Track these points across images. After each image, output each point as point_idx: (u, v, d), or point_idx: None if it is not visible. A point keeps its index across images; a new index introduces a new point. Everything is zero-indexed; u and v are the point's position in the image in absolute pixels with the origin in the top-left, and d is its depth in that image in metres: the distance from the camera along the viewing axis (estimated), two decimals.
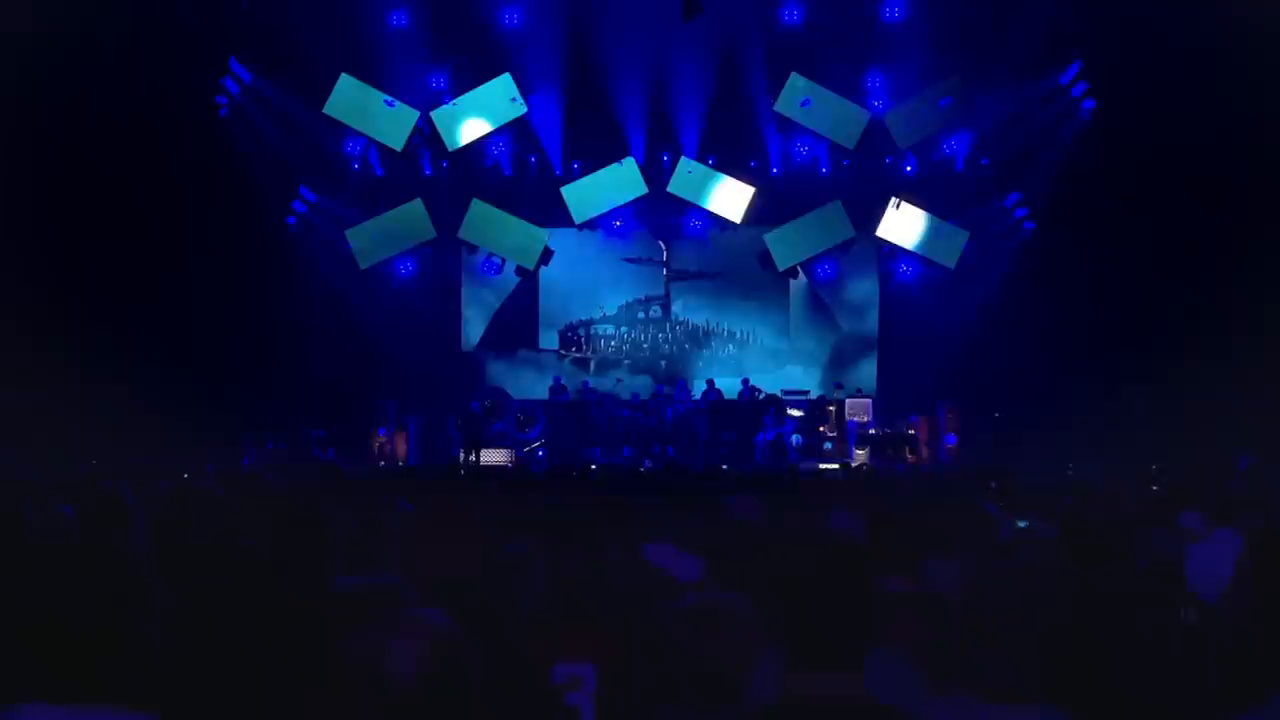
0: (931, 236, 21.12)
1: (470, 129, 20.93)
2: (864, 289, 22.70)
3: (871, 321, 22.73)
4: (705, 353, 23.00)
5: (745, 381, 21.59)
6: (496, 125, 20.96)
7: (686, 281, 22.94)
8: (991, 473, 10.56)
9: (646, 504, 5.66)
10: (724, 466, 15.80)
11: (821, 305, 22.86)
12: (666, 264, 22.90)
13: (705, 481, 9.41)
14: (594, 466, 15.92)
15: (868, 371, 22.55)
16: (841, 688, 2.19)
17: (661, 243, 22.85)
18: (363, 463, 18.78)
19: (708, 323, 23.07)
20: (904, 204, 21.09)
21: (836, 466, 15.03)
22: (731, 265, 22.66)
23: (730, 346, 23.07)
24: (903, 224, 21.21)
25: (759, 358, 22.82)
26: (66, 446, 15.74)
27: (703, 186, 21.48)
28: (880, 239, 21.49)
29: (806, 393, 21.37)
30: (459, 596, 3.14)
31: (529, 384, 22.18)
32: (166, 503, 5.11)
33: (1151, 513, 7.56)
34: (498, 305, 22.77)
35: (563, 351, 22.83)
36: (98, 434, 16.45)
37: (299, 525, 3.43)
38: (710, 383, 21.64)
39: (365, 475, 12.88)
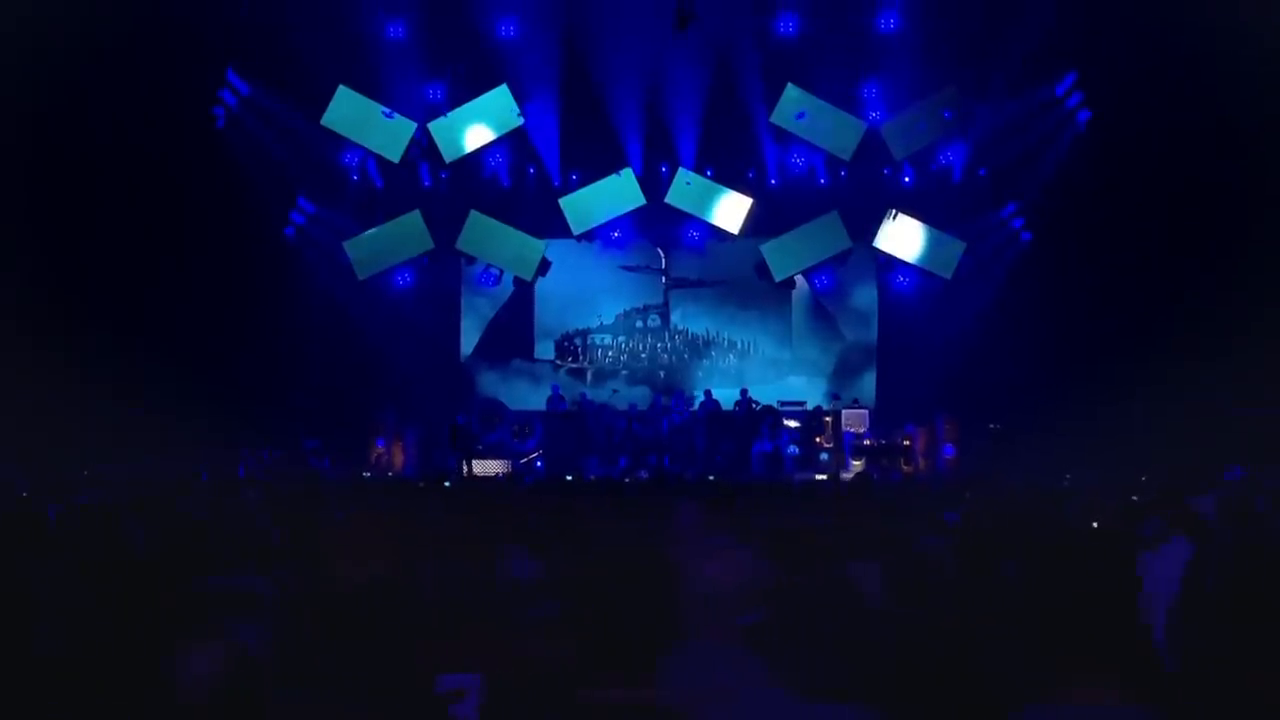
0: (928, 247, 21.06)
1: (468, 140, 20.94)
2: (862, 299, 22.60)
3: (872, 331, 22.63)
4: (705, 363, 22.87)
5: (743, 392, 21.52)
6: (494, 136, 20.96)
7: (686, 290, 22.85)
8: (971, 483, 10.54)
9: (600, 512, 5.65)
10: (710, 477, 15.77)
11: (825, 314, 22.73)
12: (665, 272, 22.83)
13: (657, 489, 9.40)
14: (569, 478, 15.91)
15: (872, 382, 22.44)
16: (632, 694, 2.19)
17: (660, 250, 22.78)
18: (358, 472, 18.71)
19: (708, 332, 22.97)
20: (900, 215, 21.03)
21: (825, 477, 14.99)
22: (731, 275, 22.60)
23: (731, 356, 22.95)
24: (899, 235, 21.15)
25: (760, 368, 22.70)
26: (68, 453, 15.85)
27: (701, 198, 21.45)
28: (877, 249, 21.41)
29: (803, 403, 21.28)
30: (359, 603, 3.12)
31: (523, 394, 22.11)
32: (86, 516, 5.13)
33: (1121, 521, 7.54)
34: (492, 315, 22.71)
35: (559, 362, 22.72)
36: (98, 441, 16.55)
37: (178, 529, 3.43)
38: (707, 393, 21.57)
39: (346, 485, 12.88)
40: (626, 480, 14.45)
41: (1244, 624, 3.59)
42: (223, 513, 5.74)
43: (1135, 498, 11.30)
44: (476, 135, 20.95)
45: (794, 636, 2.53)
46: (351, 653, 2.48)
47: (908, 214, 21.09)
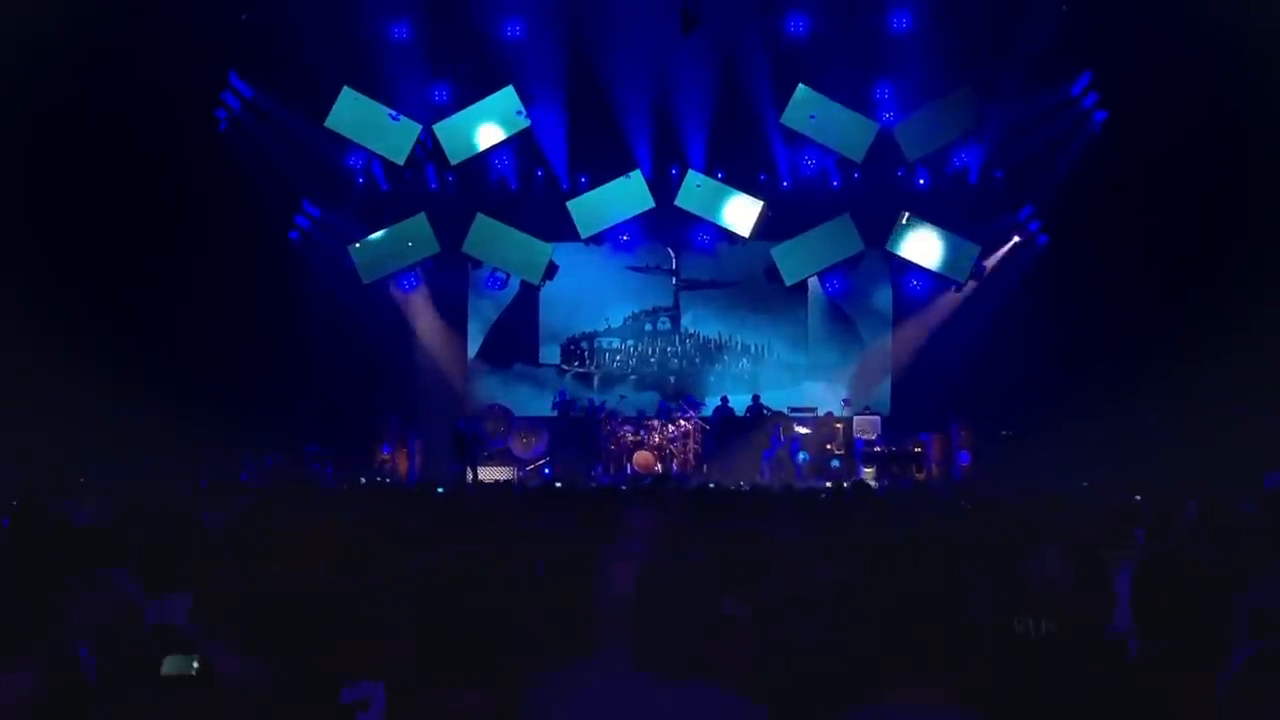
0: (941, 251, 20.99)
1: (473, 142, 20.97)
2: (876, 303, 22.54)
3: (887, 336, 22.54)
4: (717, 368, 22.81)
5: (755, 398, 21.50)
6: (500, 138, 21.00)
7: (697, 291, 22.82)
8: (963, 493, 10.54)
9: (556, 520, 5.69)
10: (710, 485, 15.78)
11: (842, 317, 22.66)
12: (676, 272, 22.80)
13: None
14: (559, 485, 15.91)
15: (887, 387, 22.33)
16: (476, 704, 2.24)
17: (670, 250, 22.76)
18: (354, 478, 18.73)
19: (720, 335, 22.92)
20: (913, 218, 20.97)
21: (829, 485, 14.97)
22: (742, 277, 22.57)
23: (744, 361, 22.90)
24: (912, 239, 21.08)
25: (775, 373, 22.63)
26: (69, 457, 15.96)
27: (711, 200, 21.43)
28: (891, 253, 21.34)
29: (814, 409, 21.23)
30: (274, 611, 3.19)
31: (526, 400, 22.11)
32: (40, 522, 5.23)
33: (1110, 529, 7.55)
34: (495, 318, 22.74)
35: (565, 366, 22.74)
36: (100, 445, 16.65)
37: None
38: (724, 399, 21.55)
39: (329, 491, 12.96)
40: (624, 488, 14.50)
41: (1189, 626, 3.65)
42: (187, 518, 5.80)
43: (1139, 497, 11.32)
44: (483, 137, 20.98)
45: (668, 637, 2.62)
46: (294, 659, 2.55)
47: (921, 217, 21.03)
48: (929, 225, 21.02)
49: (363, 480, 17.95)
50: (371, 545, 4.17)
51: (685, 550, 4.21)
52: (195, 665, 3.26)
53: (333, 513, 5.04)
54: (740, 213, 21.36)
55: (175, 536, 4.34)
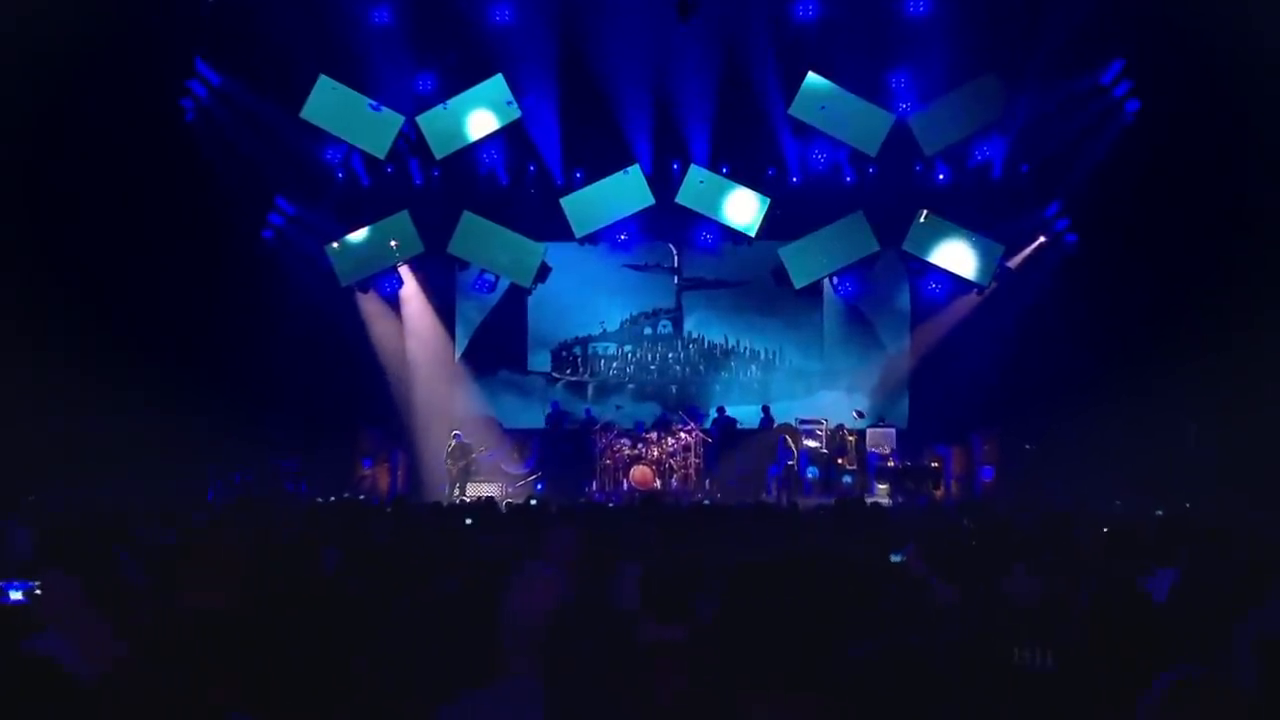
0: (963, 251, 20.81)
1: (460, 134, 20.77)
2: (892, 307, 22.31)
3: (905, 341, 22.32)
4: (723, 375, 22.54)
5: (765, 409, 21.26)
6: (489, 130, 20.79)
7: (701, 292, 22.51)
8: (970, 509, 10.38)
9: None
10: (705, 501, 15.64)
11: (861, 320, 22.39)
12: (678, 270, 22.59)
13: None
14: (534, 503, 15.77)
15: (905, 397, 22.10)
16: None
17: (672, 246, 22.47)
18: (331, 496, 18.56)
19: (725, 340, 22.63)
20: (932, 216, 20.78)
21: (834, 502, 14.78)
22: (750, 278, 22.34)
23: (753, 368, 22.63)
24: (931, 238, 20.91)
25: (786, 381, 22.34)
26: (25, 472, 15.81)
27: (715, 197, 21.22)
28: (908, 253, 21.15)
29: (822, 421, 20.98)
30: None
31: (513, 410, 21.89)
32: None
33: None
34: (480, 320, 22.41)
35: (556, 374, 22.44)
36: (64, 459, 16.51)
37: None
38: (720, 410, 21.30)
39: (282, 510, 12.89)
40: (611, 505, 14.38)
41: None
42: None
43: (1160, 511, 11.17)
44: (470, 129, 20.72)
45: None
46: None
47: (940, 215, 20.86)
48: (949, 224, 20.84)
49: (328, 499, 17.75)
50: (284, 567, 4.06)
51: (608, 573, 4.10)
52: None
53: (248, 533, 4.93)
54: (746, 210, 21.15)
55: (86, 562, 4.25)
